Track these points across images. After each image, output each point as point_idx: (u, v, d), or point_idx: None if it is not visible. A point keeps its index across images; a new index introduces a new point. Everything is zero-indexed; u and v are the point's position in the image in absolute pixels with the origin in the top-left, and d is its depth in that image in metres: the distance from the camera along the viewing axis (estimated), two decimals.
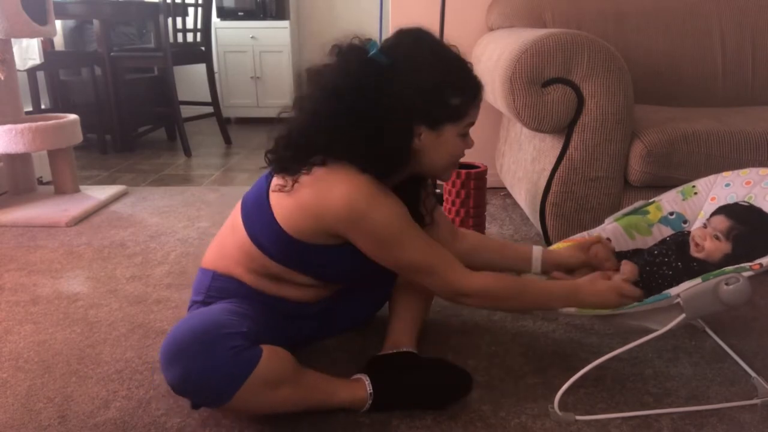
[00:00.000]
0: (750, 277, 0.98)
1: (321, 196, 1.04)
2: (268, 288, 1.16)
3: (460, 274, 1.10)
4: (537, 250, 1.32)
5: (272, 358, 0.99)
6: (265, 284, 1.16)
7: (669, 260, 1.24)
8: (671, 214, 1.41)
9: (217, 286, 1.17)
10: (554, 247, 1.42)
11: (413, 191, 1.20)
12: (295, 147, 1.07)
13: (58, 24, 3.55)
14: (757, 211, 1.21)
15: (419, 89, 1.03)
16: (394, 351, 1.18)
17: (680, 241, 1.27)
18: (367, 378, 1.10)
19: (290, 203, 1.06)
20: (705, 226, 1.24)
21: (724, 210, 1.24)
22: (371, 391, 1.09)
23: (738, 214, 1.21)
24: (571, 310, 1.14)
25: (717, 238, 1.20)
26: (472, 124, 1.11)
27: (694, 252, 1.22)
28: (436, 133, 1.07)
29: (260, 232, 1.11)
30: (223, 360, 0.94)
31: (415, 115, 1.04)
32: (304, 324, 1.25)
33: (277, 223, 1.08)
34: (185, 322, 0.99)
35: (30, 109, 3.28)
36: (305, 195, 1.05)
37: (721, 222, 1.21)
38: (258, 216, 1.11)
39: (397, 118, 1.03)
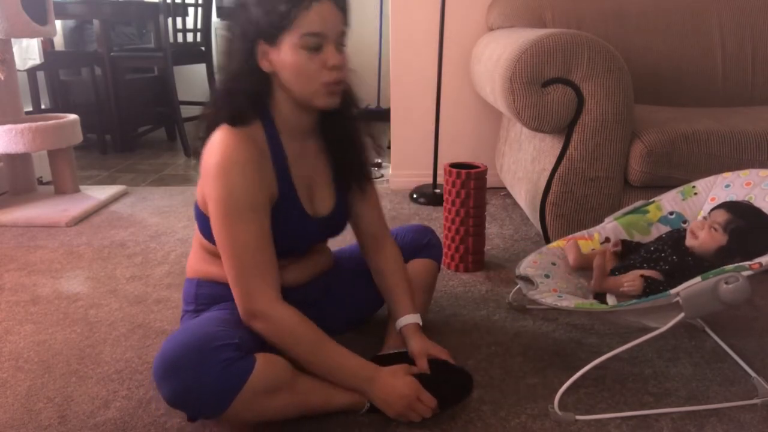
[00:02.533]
0: (749, 277, 0.98)
1: (202, 163, 1.05)
2: None
3: (268, 296, 1.02)
4: (408, 323, 1.19)
5: (267, 366, 0.97)
6: None
7: (665, 255, 1.24)
8: (671, 213, 1.41)
9: (205, 293, 1.16)
10: (553, 245, 1.43)
11: (340, 149, 1.16)
12: (203, 119, 1.09)
13: (58, 24, 3.55)
14: (758, 210, 1.22)
15: (245, 2, 1.00)
16: (394, 351, 1.18)
17: (676, 237, 1.28)
18: None
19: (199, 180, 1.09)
20: (705, 218, 1.25)
21: (725, 205, 1.25)
22: None
23: (739, 209, 1.22)
24: (570, 305, 1.14)
25: (714, 229, 1.21)
26: (317, 35, 0.99)
27: (689, 240, 1.23)
28: (278, 49, 1.00)
29: (198, 221, 1.14)
30: (216, 373, 0.92)
31: (250, 32, 1.00)
32: None
33: (197, 206, 1.12)
34: (176, 337, 0.98)
35: (30, 109, 3.28)
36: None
37: (721, 215, 1.21)
38: (195, 210, 1.14)
39: (237, 40, 1.02)
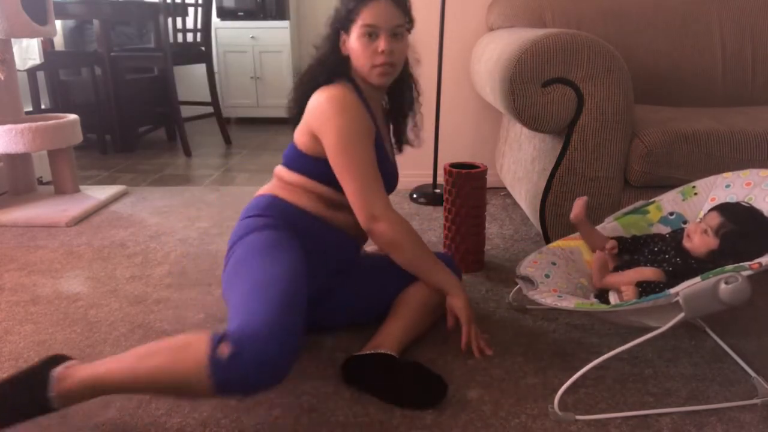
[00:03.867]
0: (749, 277, 0.98)
1: (310, 105, 1.28)
2: (320, 210, 1.31)
3: (385, 202, 1.26)
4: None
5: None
6: (318, 207, 1.31)
7: (669, 257, 1.24)
8: (671, 214, 1.41)
9: (280, 206, 1.30)
10: (553, 245, 1.43)
11: (396, 115, 1.45)
12: (300, 85, 1.35)
13: (58, 24, 3.55)
14: (756, 213, 1.21)
15: (338, 2, 1.30)
16: (371, 351, 1.20)
17: (679, 238, 1.28)
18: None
19: (300, 126, 1.32)
20: (701, 221, 1.25)
21: (720, 207, 1.24)
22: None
23: (733, 213, 1.21)
24: (570, 305, 1.14)
25: (706, 233, 1.20)
26: (371, 26, 1.24)
27: (685, 242, 1.24)
28: (350, 37, 1.28)
29: (288, 157, 1.36)
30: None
31: (335, 23, 1.30)
32: (335, 262, 1.35)
33: (295, 146, 1.33)
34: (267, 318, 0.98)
35: (30, 109, 3.28)
36: (306, 111, 1.30)
37: (714, 218, 1.21)
38: (288, 150, 1.36)
39: (328, 29, 1.32)
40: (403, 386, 1.13)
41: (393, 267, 1.36)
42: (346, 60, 1.31)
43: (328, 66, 1.31)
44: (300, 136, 1.32)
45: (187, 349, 0.95)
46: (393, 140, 1.48)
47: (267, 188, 1.37)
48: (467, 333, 1.24)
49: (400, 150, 1.50)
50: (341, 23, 1.29)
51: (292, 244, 1.20)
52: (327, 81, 1.29)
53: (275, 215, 1.28)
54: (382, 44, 1.25)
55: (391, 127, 1.47)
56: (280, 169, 1.37)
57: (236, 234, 1.26)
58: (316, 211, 1.31)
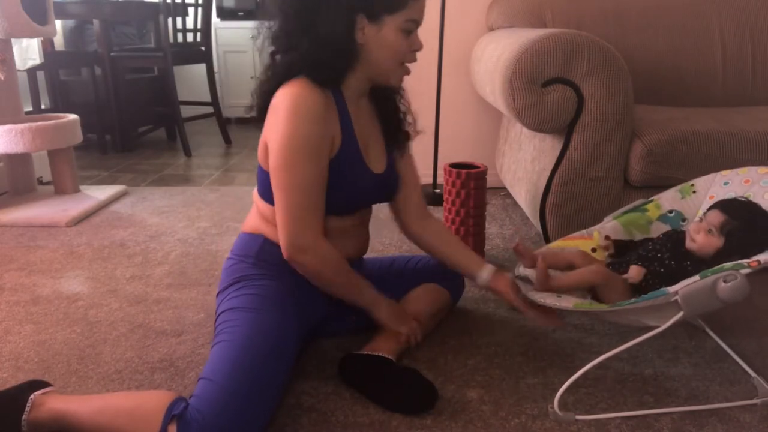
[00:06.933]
0: (748, 275, 0.98)
1: (271, 109, 1.12)
2: None
3: (314, 232, 1.12)
4: (488, 270, 1.29)
5: None
6: None
7: (662, 257, 1.23)
8: (670, 212, 1.41)
9: (269, 251, 1.20)
10: (553, 245, 1.43)
11: (386, 112, 1.27)
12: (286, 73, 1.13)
13: (58, 24, 3.55)
14: (755, 207, 1.21)
15: None
16: (368, 353, 1.20)
17: (675, 238, 1.27)
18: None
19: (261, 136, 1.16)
20: (701, 220, 1.25)
21: (720, 205, 1.23)
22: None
23: (734, 209, 1.20)
24: (569, 305, 1.14)
25: (710, 232, 1.20)
26: (415, 22, 1.12)
27: (689, 243, 1.23)
28: (377, 27, 1.09)
29: (258, 179, 1.23)
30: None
31: (357, 5, 1.07)
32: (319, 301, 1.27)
33: (259, 165, 1.19)
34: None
35: (30, 109, 3.28)
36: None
37: (716, 217, 1.21)
38: (258, 169, 1.22)
39: (336, 9, 1.06)
40: (393, 391, 1.12)
41: (400, 271, 1.37)
42: (356, 50, 1.11)
43: (332, 56, 1.09)
44: (260, 151, 1.18)
45: (143, 420, 0.94)
46: (391, 147, 1.30)
47: (251, 220, 1.26)
48: (404, 339, 1.25)
49: (402, 154, 1.33)
50: (367, 7, 1.07)
51: (276, 299, 1.14)
52: (329, 73, 1.11)
53: (260, 258, 1.21)
54: (418, 42, 1.14)
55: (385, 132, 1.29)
56: (255, 195, 1.26)
57: (222, 281, 1.23)
58: None
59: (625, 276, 1.22)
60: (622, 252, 1.35)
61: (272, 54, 1.16)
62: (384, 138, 1.28)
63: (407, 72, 1.17)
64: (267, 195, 1.18)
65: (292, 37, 1.10)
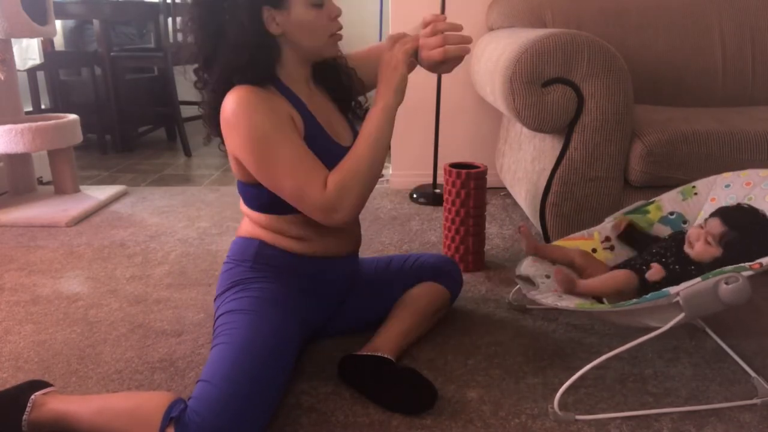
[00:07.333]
0: (749, 277, 0.98)
1: (221, 122, 1.09)
2: (294, 248, 1.20)
3: (324, 190, 1.07)
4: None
5: None
6: (291, 244, 1.20)
7: (666, 261, 1.23)
8: (671, 214, 1.41)
9: (265, 254, 1.20)
10: (553, 245, 1.43)
11: (334, 84, 1.25)
12: (219, 86, 1.10)
13: (58, 24, 3.55)
14: (756, 217, 1.20)
15: None
16: (369, 353, 1.19)
17: (680, 240, 1.27)
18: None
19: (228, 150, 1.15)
20: (701, 226, 1.24)
21: (721, 213, 1.23)
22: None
23: (734, 219, 1.20)
24: (570, 305, 1.14)
25: (708, 243, 1.20)
26: None
27: (686, 248, 1.23)
28: (286, 11, 1.08)
29: (239, 189, 1.22)
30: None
31: (257, 1, 1.05)
32: (326, 293, 1.28)
33: (238, 180, 1.20)
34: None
35: (30, 109, 3.28)
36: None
37: (716, 227, 1.20)
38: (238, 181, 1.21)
39: (240, 12, 1.05)
40: (393, 391, 1.12)
41: (398, 270, 1.36)
42: (275, 42, 1.11)
43: (257, 51, 1.07)
44: (233, 167, 1.17)
45: (142, 422, 0.95)
46: (348, 106, 1.29)
47: (245, 225, 1.26)
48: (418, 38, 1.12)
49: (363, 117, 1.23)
50: None
51: (274, 301, 1.14)
52: (258, 73, 1.08)
53: (256, 261, 1.20)
54: (334, 9, 1.11)
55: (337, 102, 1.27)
56: (243, 207, 1.25)
57: (220, 285, 1.22)
58: (292, 249, 1.20)
59: (646, 275, 1.22)
60: (636, 240, 1.36)
61: (196, 71, 1.14)
62: (341, 111, 1.27)
63: (339, 39, 1.15)
64: (254, 204, 1.20)
65: (209, 50, 1.10)
